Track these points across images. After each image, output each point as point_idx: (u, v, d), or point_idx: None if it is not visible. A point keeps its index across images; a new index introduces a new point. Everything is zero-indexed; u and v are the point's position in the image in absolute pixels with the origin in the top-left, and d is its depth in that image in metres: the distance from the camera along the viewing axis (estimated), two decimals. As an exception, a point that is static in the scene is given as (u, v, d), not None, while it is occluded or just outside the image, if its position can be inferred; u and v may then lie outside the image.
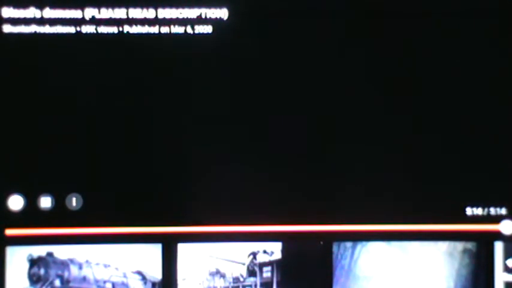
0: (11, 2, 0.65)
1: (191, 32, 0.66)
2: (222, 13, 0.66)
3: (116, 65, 0.66)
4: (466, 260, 0.68)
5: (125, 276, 0.67)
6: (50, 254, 0.66)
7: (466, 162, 0.67)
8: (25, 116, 0.65)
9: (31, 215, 0.65)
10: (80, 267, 0.66)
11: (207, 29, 0.66)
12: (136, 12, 0.66)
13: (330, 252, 0.68)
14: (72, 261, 0.66)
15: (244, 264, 0.68)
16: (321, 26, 0.67)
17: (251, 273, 0.68)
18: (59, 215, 0.66)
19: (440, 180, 0.67)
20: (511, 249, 0.68)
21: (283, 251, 0.68)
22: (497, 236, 0.68)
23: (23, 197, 0.65)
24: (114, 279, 0.67)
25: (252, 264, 0.68)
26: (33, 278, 0.66)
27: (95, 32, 0.65)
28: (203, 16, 0.66)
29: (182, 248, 0.67)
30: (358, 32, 0.67)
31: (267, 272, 0.68)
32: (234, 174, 0.67)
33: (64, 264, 0.66)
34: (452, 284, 0.69)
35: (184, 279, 0.67)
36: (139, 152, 0.66)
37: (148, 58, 0.66)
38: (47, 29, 0.65)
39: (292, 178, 0.67)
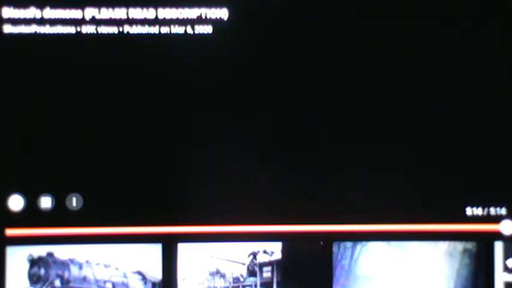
0: (11, 2, 0.65)
1: (191, 32, 0.66)
2: (222, 13, 0.66)
3: (116, 65, 0.66)
4: (466, 260, 0.68)
5: (125, 276, 0.67)
6: (50, 254, 0.66)
7: (466, 162, 0.67)
8: (25, 116, 0.65)
9: (31, 215, 0.65)
10: (80, 267, 0.66)
11: (207, 29, 0.66)
12: (136, 12, 0.66)
13: (330, 252, 0.68)
14: (72, 261, 0.66)
15: (244, 264, 0.68)
16: (321, 26, 0.67)
17: (251, 273, 0.68)
18: (59, 215, 0.66)
19: (440, 180, 0.67)
20: (511, 249, 0.68)
21: (283, 251, 0.68)
22: (497, 236, 0.68)
23: (23, 197, 0.65)
24: (115, 279, 0.67)
25: (252, 264, 0.68)
26: (33, 278, 0.66)
27: (95, 32, 0.65)
28: (203, 16, 0.66)
29: (182, 248, 0.67)
30: (358, 31, 0.67)
31: (267, 272, 0.68)
32: (234, 174, 0.67)
33: (64, 264, 0.66)
34: (452, 284, 0.69)
35: (184, 279, 0.67)
36: (140, 152, 0.66)
37: (149, 58, 0.66)
38: (47, 29, 0.65)
39: (292, 178, 0.67)
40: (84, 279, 0.66)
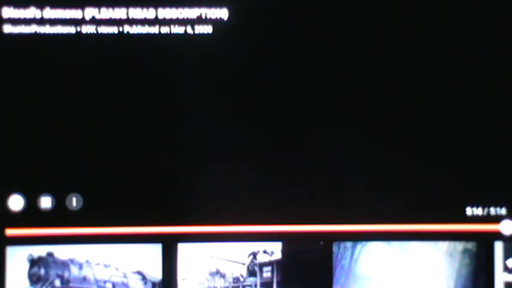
0: (11, 2, 0.65)
1: (191, 32, 0.66)
2: (222, 13, 0.66)
3: (116, 65, 0.66)
4: (466, 260, 0.68)
5: (125, 276, 0.67)
6: (50, 254, 0.66)
7: (466, 162, 0.67)
8: (25, 116, 0.65)
9: (31, 215, 0.65)
10: (80, 267, 0.66)
11: (207, 29, 0.66)
12: (136, 12, 0.66)
13: (330, 252, 0.68)
14: (72, 261, 0.66)
15: (244, 264, 0.68)
16: (321, 26, 0.67)
17: (251, 273, 0.68)
18: (59, 215, 0.66)
19: (440, 180, 0.67)
20: (511, 249, 0.68)
21: (283, 251, 0.68)
22: (497, 236, 0.68)
23: (23, 197, 0.65)
24: (115, 279, 0.67)
25: (252, 264, 0.68)
26: (33, 278, 0.66)
27: (95, 32, 0.65)
28: (203, 16, 0.66)
29: (182, 248, 0.67)
30: (358, 31, 0.67)
31: (267, 272, 0.68)
32: (234, 174, 0.67)
33: (64, 264, 0.66)
34: (452, 284, 0.69)
35: (184, 279, 0.67)
36: (140, 152, 0.66)
37: (149, 58, 0.66)
38: (47, 29, 0.65)
39: (292, 178, 0.67)
40: (84, 279, 0.66)
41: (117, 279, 0.67)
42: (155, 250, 0.67)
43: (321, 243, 0.68)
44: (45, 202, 0.66)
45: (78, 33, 0.65)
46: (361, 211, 0.67)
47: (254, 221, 0.67)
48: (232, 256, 0.68)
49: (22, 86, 0.65)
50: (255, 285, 0.68)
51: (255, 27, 0.67)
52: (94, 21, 0.66)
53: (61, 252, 0.66)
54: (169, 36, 0.66)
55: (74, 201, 0.66)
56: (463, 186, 0.68)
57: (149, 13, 0.66)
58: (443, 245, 0.69)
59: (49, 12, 0.65)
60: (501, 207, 0.68)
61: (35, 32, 0.65)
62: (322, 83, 0.67)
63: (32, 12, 0.65)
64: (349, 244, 0.68)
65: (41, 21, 0.65)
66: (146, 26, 0.66)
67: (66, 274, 0.66)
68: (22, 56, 0.65)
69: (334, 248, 0.68)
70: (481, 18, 0.67)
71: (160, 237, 0.67)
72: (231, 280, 0.68)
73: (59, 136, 0.65)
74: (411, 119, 0.67)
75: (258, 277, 0.68)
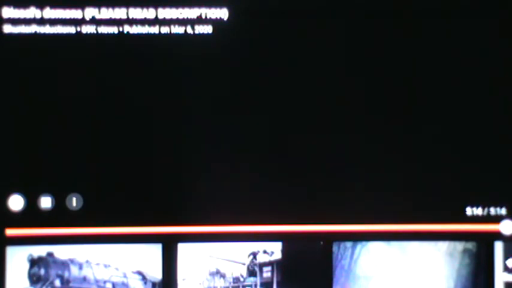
0: (11, 2, 0.65)
1: (191, 32, 0.66)
2: (222, 13, 0.66)
3: (116, 65, 0.66)
4: (466, 260, 0.68)
5: (125, 276, 0.67)
6: (50, 254, 0.66)
7: (466, 162, 0.67)
8: (25, 116, 0.65)
9: (31, 215, 0.65)
10: (80, 267, 0.66)
11: (207, 29, 0.66)
12: (136, 12, 0.66)
13: (330, 252, 0.68)
14: (72, 261, 0.66)
15: (244, 264, 0.68)
16: (321, 26, 0.67)
17: (251, 273, 0.68)
18: (59, 215, 0.66)
19: (440, 180, 0.67)
20: (511, 249, 0.68)
21: (283, 251, 0.68)
22: (497, 236, 0.68)
23: (23, 197, 0.65)
24: (115, 279, 0.67)
25: (252, 264, 0.68)
26: (33, 278, 0.66)
27: (95, 32, 0.65)
28: (203, 16, 0.66)
29: (182, 248, 0.67)
30: (358, 31, 0.67)
31: (267, 272, 0.68)
32: (234, 174, 0.67)
33: (64, 264, 0.66)
34: (452, 284, 0.69)
35: (184, 279, 0.67)
36: (140, 152, 0.66)
37: (149, 58, 0.66)
38: (47, 29, 0.65)
39: (292, 178, 0.67)
40: (84, 279, 0.66)
41: (117, 279, 0.67)
42: (155, 250, 0.67)
43: (321, 243, 0.68)
44: (45, 202, 0.66)
45: (78, 33, 0.65)
46: (361, 211, 0.67)
47: (254, 221, 0.67)
48: (232, 256, 0.68)
49: (22, 86, 0.65)
50: (255, 285, 0.68)
51: (255, 27, 0.67)
52: (94, 21, 0.66)
53: (61, 252, 0.66)
54: (169, 36, 0.66)
55: (74, 201, 0.66)
56: (463, 186, 0.68)
57: (149, 13, 0.66)
58: (443, 245, 0.69)
59: (49, 12, 0.65)
60: (501, 207, 0.68)
61: (35, 32, 0.65)
62: (322, 83, 0.67)
63: (32, 12, 0.65)
64: (349, 244, 0.68)
65: (41, 21, 0.65)
66: (146, 26, 0.66)
67: (66, 274, 0.66)
68: (22, 56, 0.65)
69: (334, 248, 0.68)
70: (481, 18, 0.67)
71: (160, 237, 0.67)
72: (231, 280, 0.68)
73: (59, 136, 0.65)
74: (411, 119, 0.67)
75: (258, 277, 0.68)
